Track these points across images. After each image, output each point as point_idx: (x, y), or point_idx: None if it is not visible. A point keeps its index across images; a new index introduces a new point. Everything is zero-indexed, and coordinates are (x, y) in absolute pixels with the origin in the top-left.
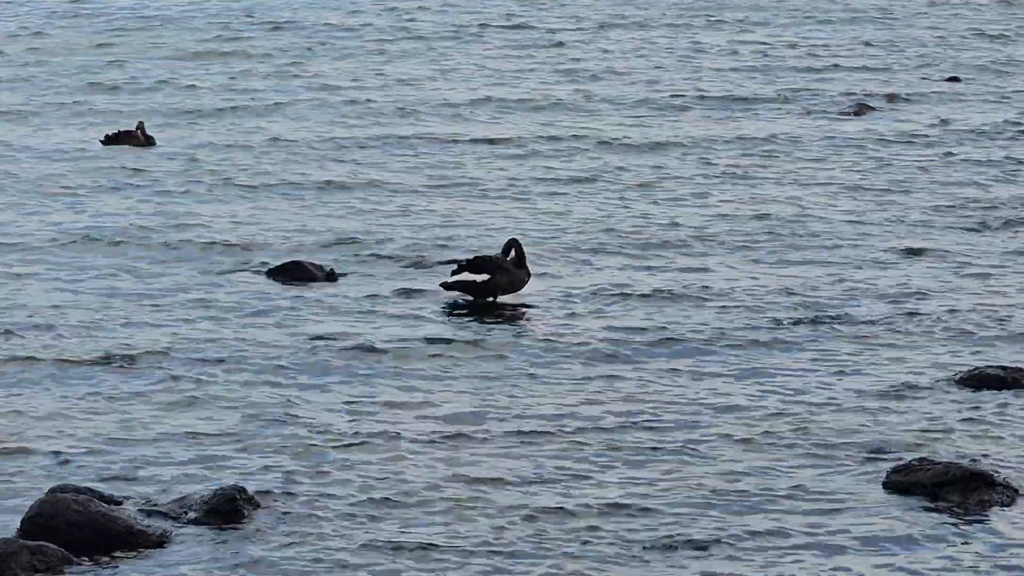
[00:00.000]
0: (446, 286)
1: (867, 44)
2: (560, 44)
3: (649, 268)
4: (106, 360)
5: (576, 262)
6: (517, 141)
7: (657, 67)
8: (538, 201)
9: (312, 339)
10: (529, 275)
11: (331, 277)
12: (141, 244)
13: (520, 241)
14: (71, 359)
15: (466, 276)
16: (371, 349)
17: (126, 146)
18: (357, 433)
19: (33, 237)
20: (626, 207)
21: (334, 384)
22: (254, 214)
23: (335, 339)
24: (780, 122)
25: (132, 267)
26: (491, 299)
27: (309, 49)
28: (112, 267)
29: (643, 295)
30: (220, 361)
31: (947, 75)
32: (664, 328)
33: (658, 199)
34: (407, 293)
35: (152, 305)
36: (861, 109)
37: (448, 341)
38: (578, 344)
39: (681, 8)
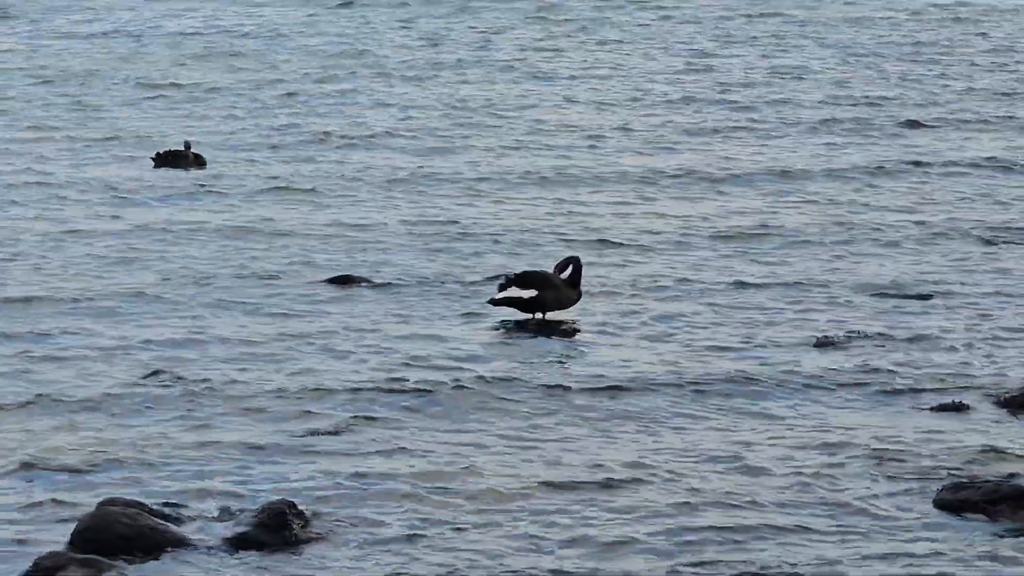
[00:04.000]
0: (494, 302)
1: None
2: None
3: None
4: (154, 374)
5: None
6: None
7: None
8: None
9: (361, 352)
10: (580, 295)
11: (379, 287)
12: (193, 253)
13: (580, 260)
14: (120, 374)
15: (514, 292)
16: (417, 365)
17: (176, 166)
18: (406, 447)
19: (91, 245)
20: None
21: (383, 398)
22: (309, 223)
23: (381, 352)
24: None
25: (177, 278)
26: (539, 315)
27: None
28: (154, 279)
29: (688, 318)
30: (269, 372)
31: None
32: (706, 341)
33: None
34: (457, 307)
35: (198, 316)
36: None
37: (493, 357)
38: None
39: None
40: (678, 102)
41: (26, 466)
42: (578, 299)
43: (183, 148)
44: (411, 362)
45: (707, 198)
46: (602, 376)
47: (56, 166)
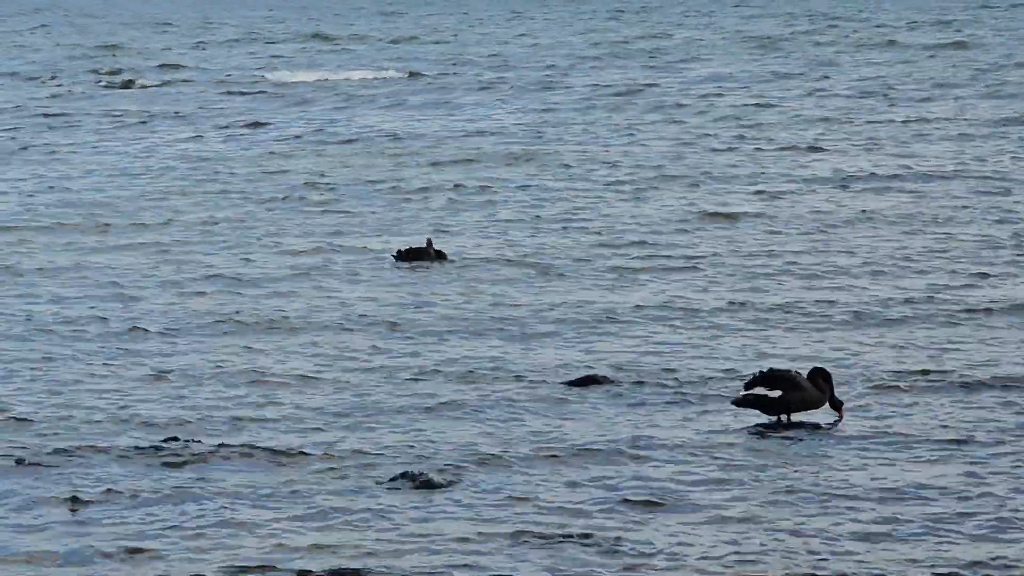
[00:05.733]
0: (737, 402)
1: None
2: None
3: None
4: (403, 477)
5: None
6: None
7: None
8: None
9: (603, 463)
10: (826, 397)
11: (622, 388)
12: (426, 350)
13: (827, 370)
14: (367, 478)
15: (759, 391)
16: (667, 478)
17: (419, 262)
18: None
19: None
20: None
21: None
22: (552, 317)
23: (626, 464)
24: None
25: (425, 374)
26: (784, 416)
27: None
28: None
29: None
30: (512, 484)
31: None
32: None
33: None
34: (699, 407)
35: (418, 407)
36: None
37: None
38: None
39: None
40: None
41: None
42: (825, 402)
43: (425, 244)
44: (661, 476)
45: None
46: (857, 483)
47: (303, 286)
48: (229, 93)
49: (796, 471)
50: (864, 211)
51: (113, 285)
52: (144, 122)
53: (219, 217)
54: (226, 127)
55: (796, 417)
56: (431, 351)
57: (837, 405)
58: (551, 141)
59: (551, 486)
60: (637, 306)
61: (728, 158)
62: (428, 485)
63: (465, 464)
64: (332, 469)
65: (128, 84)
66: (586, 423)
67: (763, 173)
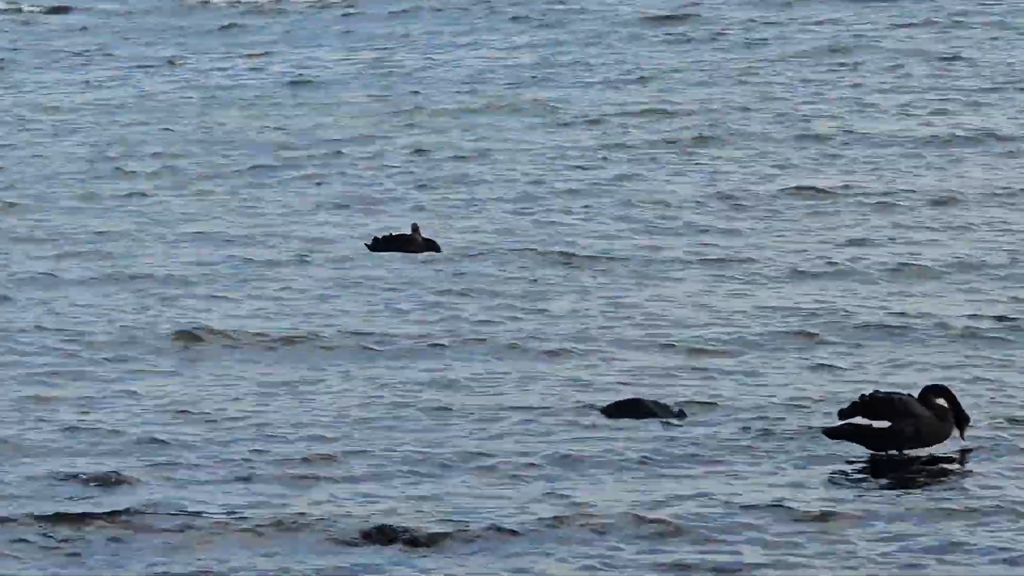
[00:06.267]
0: (830, 432)
1: None
2: None
3: None
4: (383, 532)
5: None
6: None
7: None
8: None
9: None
10: (950, 424)
11: (680, 416)
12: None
13: (948, 389)
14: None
15: (860, 420)
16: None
17: (401, 253)
18: None
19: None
20: None
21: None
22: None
23: (649, 502)
24: None
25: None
26: (893, 453)
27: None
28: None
29: None
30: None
31: None
32: None
33: None
34: (774, 439)
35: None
36: None
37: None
38: None
39: None
40: None
41: None
42: (951, 431)
43: (410, 231)
44: (723, 547)
45: None
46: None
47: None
48: (141, 25)
49: (913, 535)
50: (975, 185)
51: (43, 284)
52: (35, 62)
53: (139, 189)
54: (146, 67)
55: (911, 453)
56: (414, 370)
57: (963, 422)
58: (563, 87)
59: (572, 555)
60: (681, 309)
61: (797, 111)
62: (412, 544)
63: (455, 518)
64: (292, 530)
65: (11, 10)
66: (624, 464)
67: (846, 131)
